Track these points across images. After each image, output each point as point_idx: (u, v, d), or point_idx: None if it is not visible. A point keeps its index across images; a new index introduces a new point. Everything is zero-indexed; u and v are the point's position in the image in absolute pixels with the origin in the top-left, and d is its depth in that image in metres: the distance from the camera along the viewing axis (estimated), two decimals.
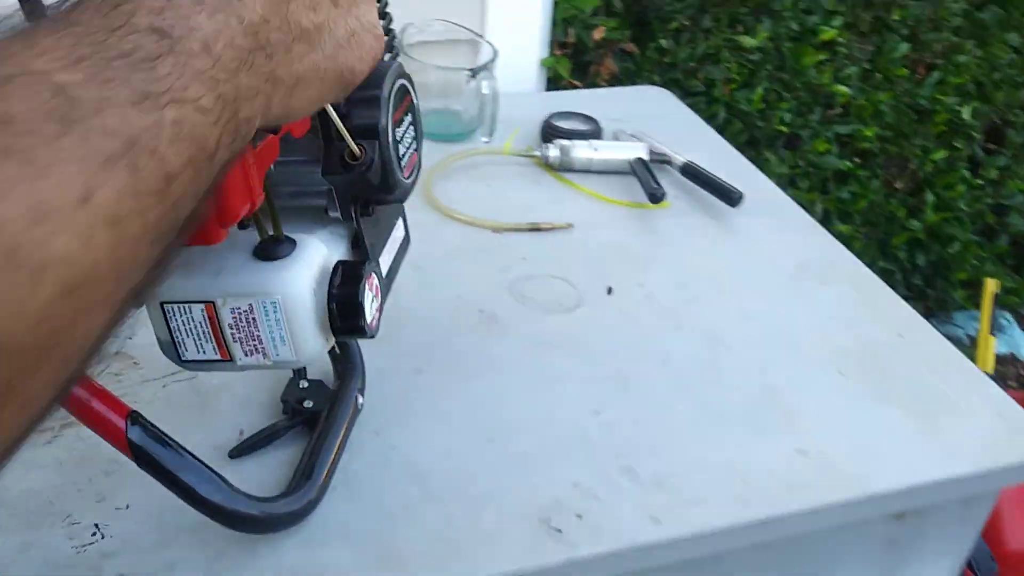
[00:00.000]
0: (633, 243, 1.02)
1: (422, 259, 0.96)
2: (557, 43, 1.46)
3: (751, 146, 1.69)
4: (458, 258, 0.97)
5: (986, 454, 0.76)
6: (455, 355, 0.84)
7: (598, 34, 1.44)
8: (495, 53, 1.15)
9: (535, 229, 1.02)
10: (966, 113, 1.80)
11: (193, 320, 0.54)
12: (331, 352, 0.77)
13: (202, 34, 0.33)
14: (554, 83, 1.45)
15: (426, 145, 1.20)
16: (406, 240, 0.68)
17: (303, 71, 0.40)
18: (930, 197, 1.90)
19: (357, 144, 0.54)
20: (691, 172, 1.09)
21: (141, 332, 0.51)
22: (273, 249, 0.54)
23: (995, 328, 1.82)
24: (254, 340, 0.54)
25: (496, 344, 0.86)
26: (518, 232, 1.01)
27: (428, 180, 1.08)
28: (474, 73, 1.11)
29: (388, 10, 0.64)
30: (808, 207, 1.81)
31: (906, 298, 0.96)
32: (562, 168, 1.12)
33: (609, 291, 0.93)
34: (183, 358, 0.56)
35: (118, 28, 0.31)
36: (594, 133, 1.16)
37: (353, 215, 0.58)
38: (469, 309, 0.90)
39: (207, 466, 0.58)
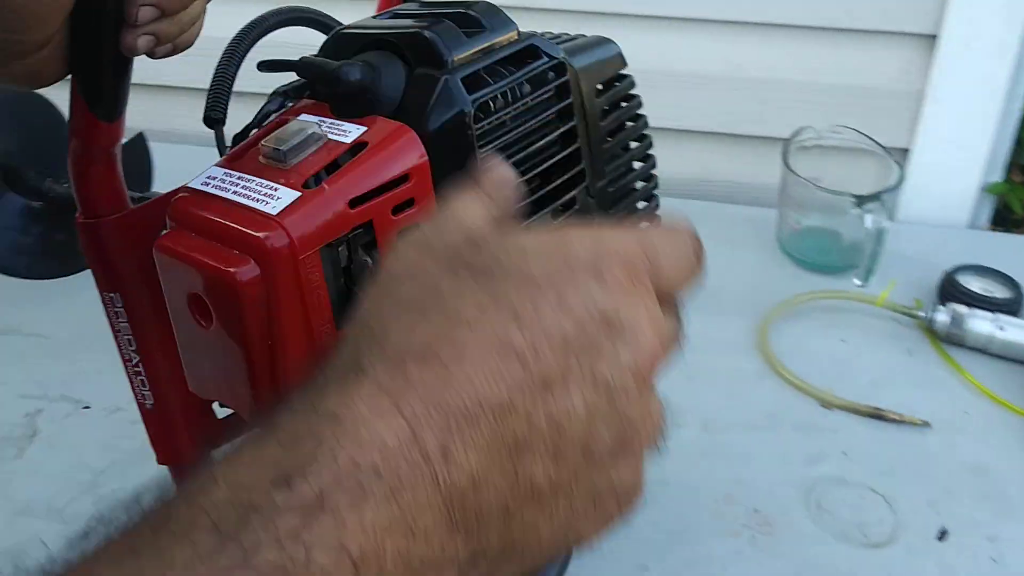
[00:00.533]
0: (1008, 474, 0.75)
1: (715, 417, 0.80)
2: (1018, 167, 1.16)
3: None
4: (763, 429, 0.79)
5: None
6: (697, 562, 0.68)
7: None
8: (898, 180, 0.93)
9: (877, 416, 0.80)
10: None
11: None
12: None
13: (357, 548, 0.24)
14: (1002, 216, 1.16)
15: (786, 271, 1.03)
16: None
17: (518, 541, 0.28)
18: None
19: None
20: None
21: None
22: None
23: None
24: None
25: (755, 564, 0.68)
26: (854, 414, 0.80)
27: (768, 318, 0.90)
28: (860, 202, 0.90)
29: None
30: None
31: None
32: (949, 341, 0.87)
33: (942, 535, 0.70)
34: None
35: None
36: (1010, 304, 0.89)
37: None
38: (742, 503, 0.72)
39: None
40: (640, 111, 0.54)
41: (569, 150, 0.47)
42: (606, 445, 0.29)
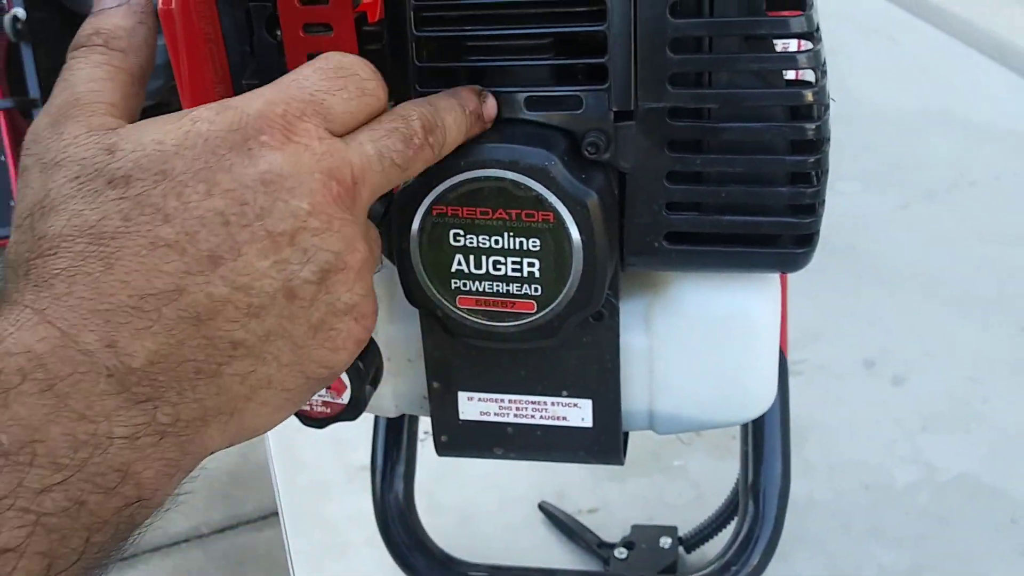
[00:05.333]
0: None
1: None
2: None
3: None
4: None
5: None
6: None
7: None
8: None
9: None
10: None
11: None
12: None
13: (5, 439, 0.26)
14: None
15: None
16: None
17: (248, 391, 0.31)
18: None
19: None
20: None
21: None
22: None
23: None
24: None
25: None
26: None
27: None
28: None
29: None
30: None
31: None
32: None
33: None
34: None
35: None
36: None
37: None
38: None
39: None
40: (800, 45, 0.36)
41: (582, 28, 0.36)
42: (309, 282, 0.31)
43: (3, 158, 1.69)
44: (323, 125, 0.31)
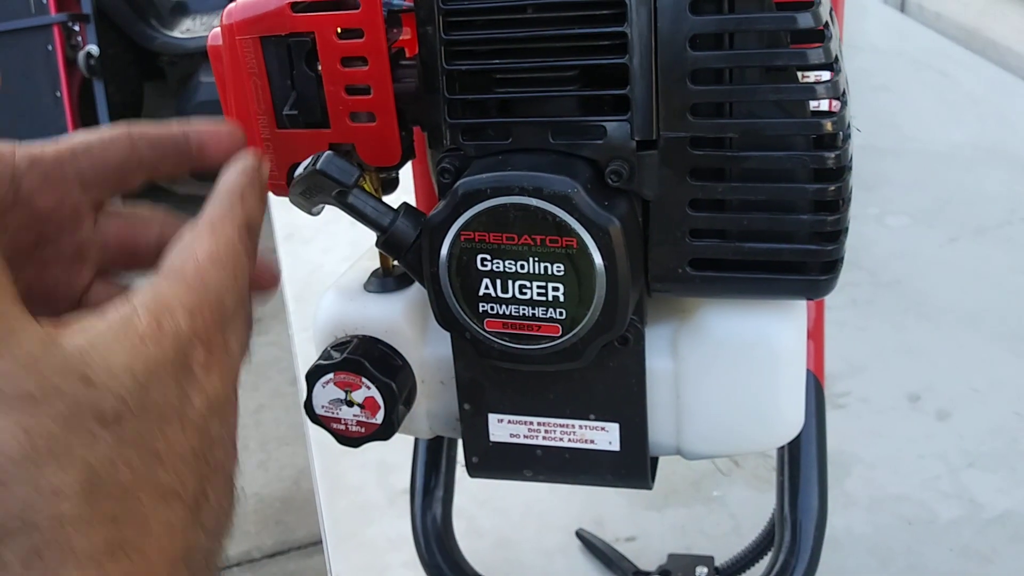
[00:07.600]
0: None
1: None
2: None
3: None
4: None
5: None
6: None
7: None
8: None
9: None
10: None
11: None
12: None
13: None
14: None
15: None
16: None
17: None
18: None
19: None
20: None
21: None
22: None
23: None
24: None
25: None
26: None
27: None
28: None
29: None
30: None
31: None
32: None
33: None
34: None
35: None
36: None
37: None
38: None
39: None
40: (817, 76, 0.36)
41: (604, 60, 0.37)
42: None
43: None
44: (225, 327, 0.31)
